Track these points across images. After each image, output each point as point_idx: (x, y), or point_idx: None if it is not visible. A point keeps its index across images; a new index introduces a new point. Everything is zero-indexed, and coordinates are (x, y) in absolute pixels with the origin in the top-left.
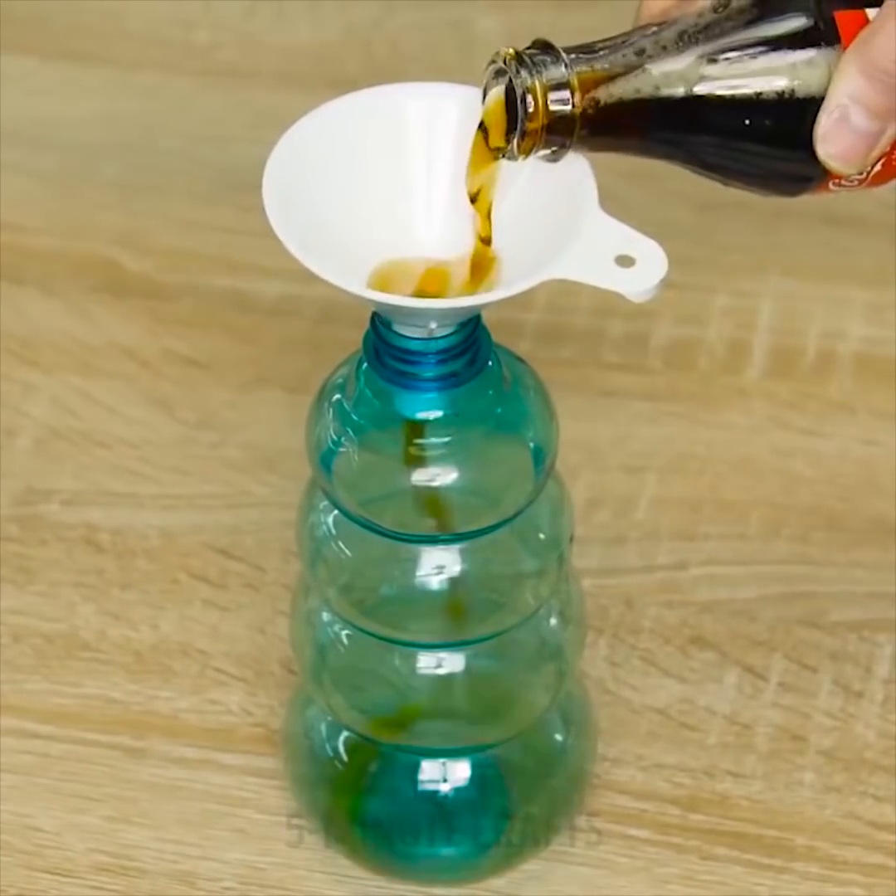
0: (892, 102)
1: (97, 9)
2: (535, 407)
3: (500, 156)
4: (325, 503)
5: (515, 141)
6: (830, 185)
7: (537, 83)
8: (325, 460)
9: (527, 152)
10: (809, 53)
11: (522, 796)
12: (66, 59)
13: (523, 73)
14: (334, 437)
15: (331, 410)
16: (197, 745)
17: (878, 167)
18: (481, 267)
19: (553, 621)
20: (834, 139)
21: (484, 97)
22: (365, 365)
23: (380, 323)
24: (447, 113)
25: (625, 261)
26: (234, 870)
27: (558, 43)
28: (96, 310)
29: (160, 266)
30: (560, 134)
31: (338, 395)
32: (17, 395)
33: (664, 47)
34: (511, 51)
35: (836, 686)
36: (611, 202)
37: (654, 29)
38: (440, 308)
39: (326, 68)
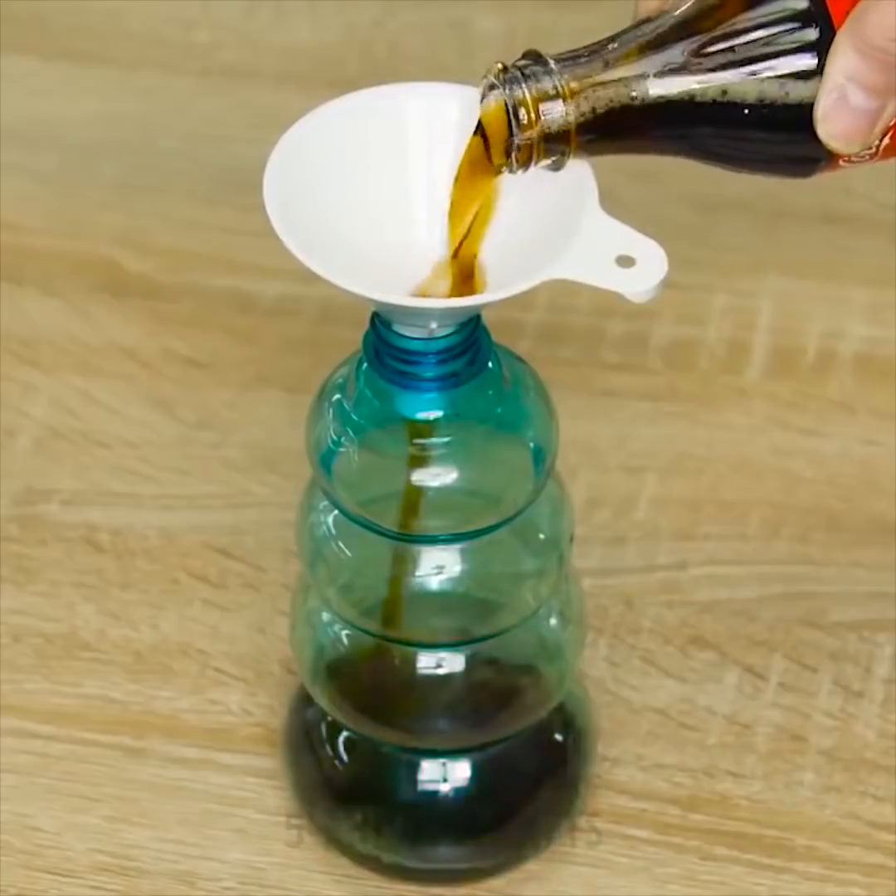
0: (890, 79)
1: (97, 9)
2: (535, 407)
3: (501, 171)
4: (325, 503)
5: (513, 155)
6: (840, 162)
7: (528, 96)
8: (325, 460)
9: (525, 165)
10: (802, 35)
11: (522, 796)
12: (66, 59)
13: (513, 86)
14: (334, 437)
15: (331, 410)
16: (197, 745)
17: (886, 140)
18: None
19: (553, 621)
20: (834, 120)
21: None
22: (365, 365)
23: (380, 323)
24: (447, 113)
25: (625, 261)
26: (234, 870)
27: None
28: (96, 310)
29: (160, 266)
30: (557, 143)
31: (338, 395)
32: (17, 395)
33: (656, 44)
34: (499, 65)
35: (836, 686)
36: (611, 202)
37: (646, 26)
38: (440, 308)
39: (326, 68)
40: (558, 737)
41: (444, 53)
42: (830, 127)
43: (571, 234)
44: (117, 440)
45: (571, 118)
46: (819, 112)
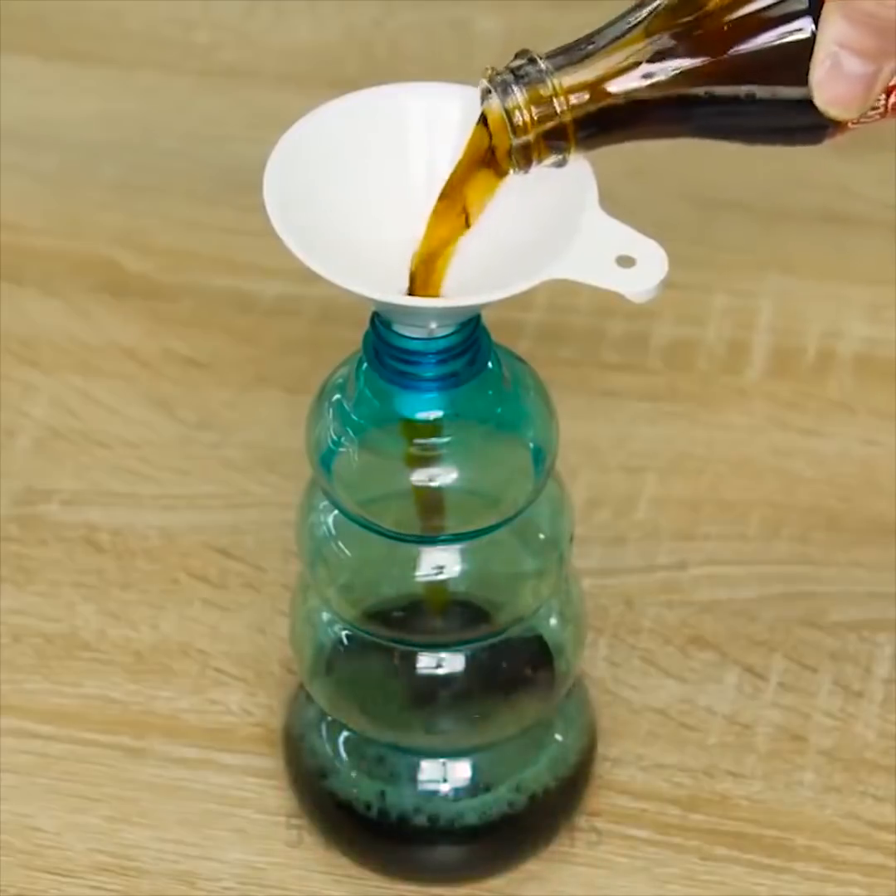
0: (882, 43)
1: (97, 9)
2: (535, 407)
3: (506, 173)
4: (325, 503)
5: (512, 156)
6: (849, 124)
7: (519, 98)
8: (325, 460)
9: (526, 166)
10: (792, 6)
11: (522, 796)
12: (66, 59)
13: (505, 90)
14: (334, 437)
15: (331, 410)
16: (197, 745)
17: (893, 99)
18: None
19: (553, 621)
20: (829, 87)
21: (484, 119)
22: (365, 365)
23: (380, 323)
24: (447, 113)
25: (625, 261)
26: (234, 870)
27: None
28: (96, 310)
29: (160, 266)
30: (555, 141)
31: (338, 395)
32: (17, 395)
33: (646, 30)
34: (491, 69)
35: (836, 686)
36: (610, 202)
37: (638, 12)
38: (440, 308)
39: (326, 68)
40: (558, 737)
41: (444, 53)
42: (826, 94)
43: (571, 234)
44: (117, 440)
45: (567, 116)
46: (813, 81)
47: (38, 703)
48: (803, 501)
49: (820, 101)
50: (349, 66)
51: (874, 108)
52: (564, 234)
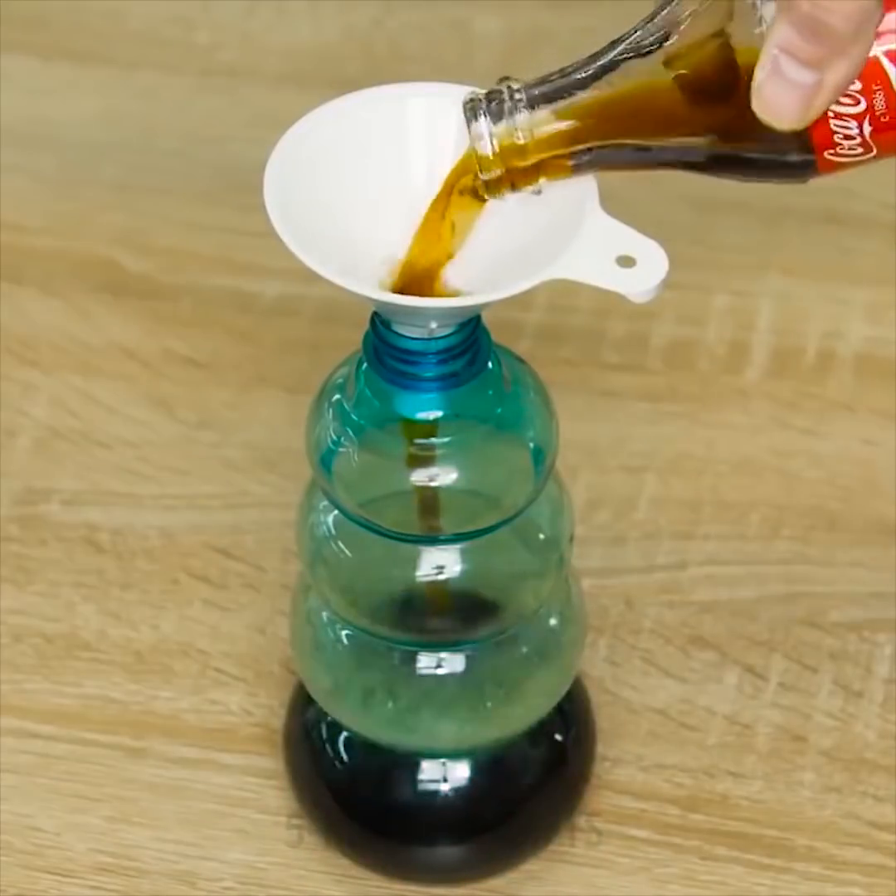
0: (824, 50)
1: (97, 9)
2: (535, 407)
3: (484, 199)
4: (325, 503)
5: (486, 186)
6: (826, 154)
7: (487, 130)
8: (325, 460)
9: (500, 195)
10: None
11: (522, 796)
12: (66, 59)
13: (476, 121)
14: (334, 437)
15: (331, 410)
16: (197, 745)
17: (868, 127)
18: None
19: (553, 621)
20: (766, 92)
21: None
22: (365, 365)
23: (380, 323)
24: (447, 113)
25: (625, 261)
26: (234, 870)
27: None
28: (96, 310)
29: (160, 266)
30: (526, 174)
31: (338, 395)
32: (17, 395)
33: (615, 69)
34: (469, 97)
35: (836, 686)
36: (611, 202)
37: (615, 46)
38: (440, 308)
39: (326, 68)
40: (558, 737)
41: (444, 53)
42: (762, 99)
43: (572, 234)
44: (117, 440)
45: (531, 153)
46: (753, 84)
47: (38, 703)
48: (803, 501)
49: (756, 106)
50: (349, 66)
51: (849, 139)
52: (565, 235)
